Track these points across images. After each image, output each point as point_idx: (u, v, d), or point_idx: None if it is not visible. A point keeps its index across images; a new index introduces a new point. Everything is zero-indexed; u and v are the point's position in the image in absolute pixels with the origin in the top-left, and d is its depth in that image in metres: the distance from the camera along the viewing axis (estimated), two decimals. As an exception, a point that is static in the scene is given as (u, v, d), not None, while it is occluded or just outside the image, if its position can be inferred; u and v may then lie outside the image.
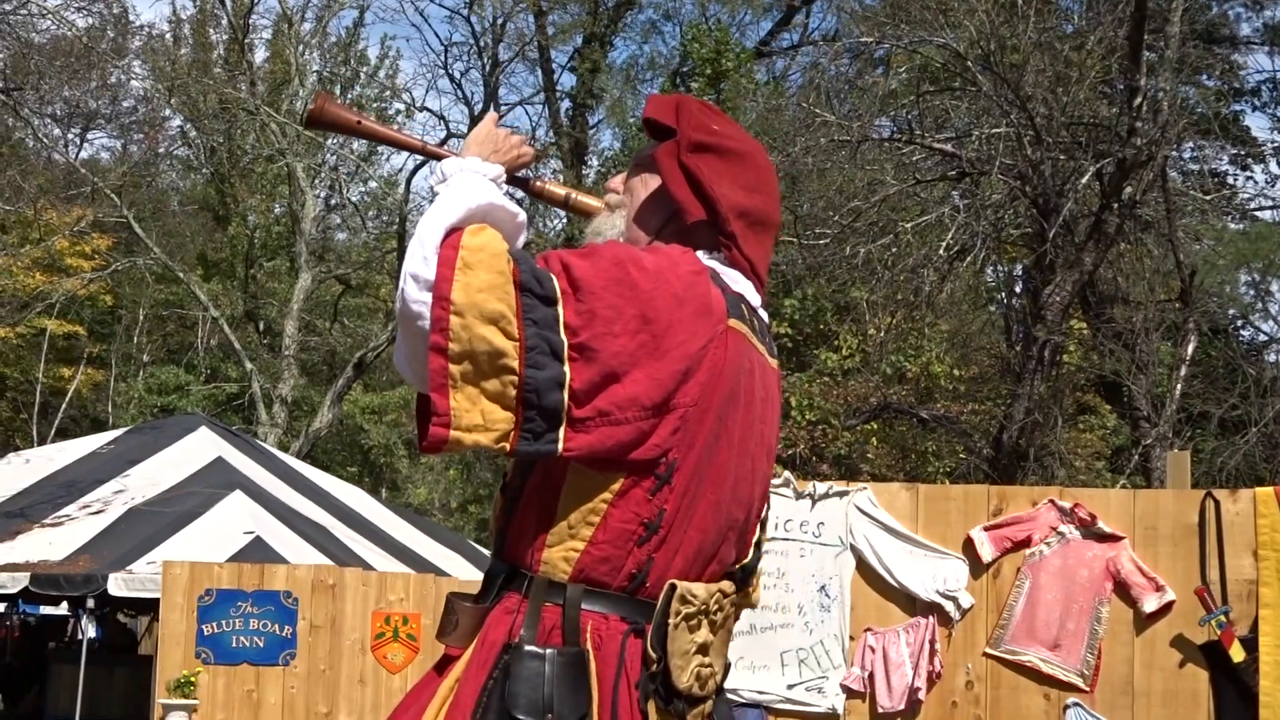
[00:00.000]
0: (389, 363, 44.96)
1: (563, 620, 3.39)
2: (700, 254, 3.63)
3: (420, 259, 3.25)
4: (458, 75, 46.69)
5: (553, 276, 3.30)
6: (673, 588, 3.41)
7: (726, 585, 3.66)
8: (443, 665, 3.47)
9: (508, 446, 3.32)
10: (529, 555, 3.43)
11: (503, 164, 3.58)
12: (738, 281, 3.63)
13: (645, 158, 3.74)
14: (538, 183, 3.76)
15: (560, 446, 3.32)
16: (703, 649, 3.53)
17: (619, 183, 3.79)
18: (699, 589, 3.53)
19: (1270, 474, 25.06)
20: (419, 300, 3.26)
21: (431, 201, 3.43)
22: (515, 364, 3.25)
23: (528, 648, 3.35)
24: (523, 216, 3.49)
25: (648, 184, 3.73)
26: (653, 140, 3.73)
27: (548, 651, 3.34)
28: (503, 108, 47.77)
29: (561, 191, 3.79)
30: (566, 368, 3.28)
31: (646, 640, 3.49)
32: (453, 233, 3.29)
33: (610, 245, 3.45)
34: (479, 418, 3.28)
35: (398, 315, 3.36)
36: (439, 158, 3.64)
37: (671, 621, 3.46)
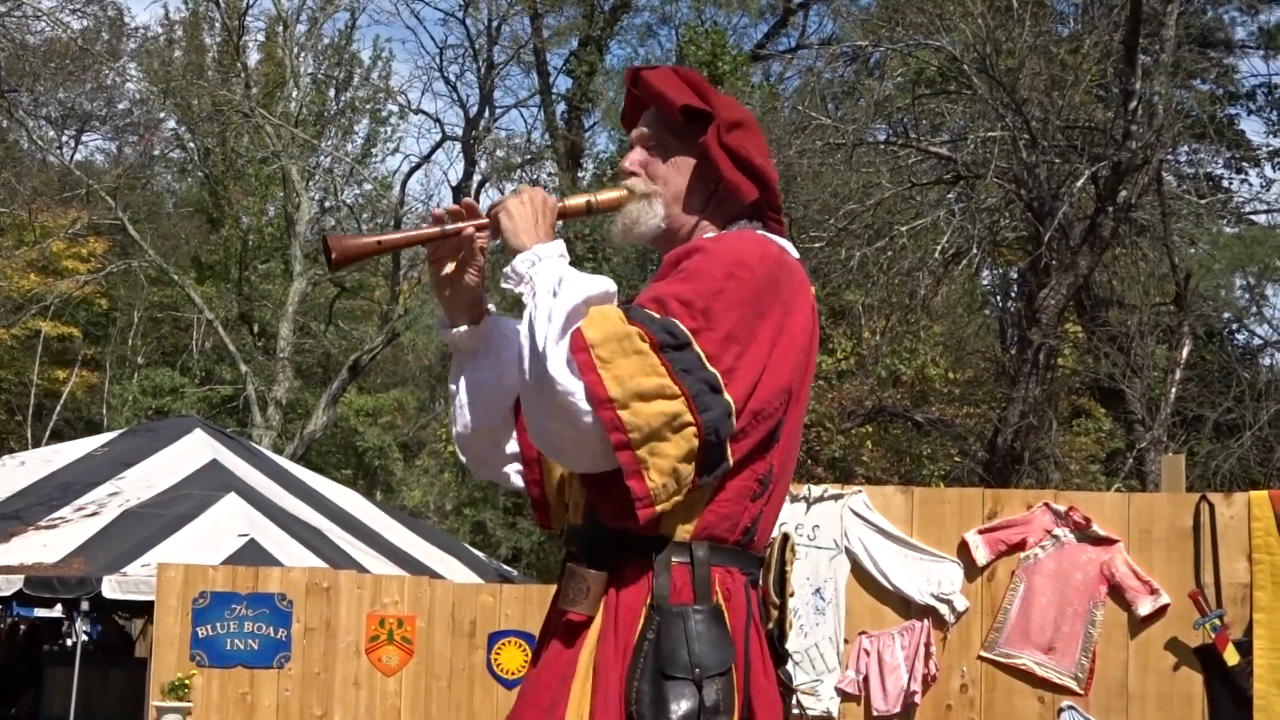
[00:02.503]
0: (383, 365, 45.17)
1: (693, 577, 3.42)
2: (751, 228, 3.72)
3: (564, 383, 3.29)
4: (453, 78, 46.76)
5: (676, 320, 3.34)
6: (786, 537, 3.56)
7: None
8: (570, 634, 3.47)
9: (693, 484, 3.38)
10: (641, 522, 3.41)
11: (552, 234, 3.62)
12: (790, 248, 3.70)
13: (671, 137, 3.77)
14: (568, 206, 3.78)
15: (730, 462, 3.41)
16: (792, 594, 3.63)
17: (637, 163, 3.80)
18: (793, 540, 3.66)
19: (1265, 478, 25.11)
20: (585, 412, 3.28)
21: (528, 297, 3.45)
22: (690, 416, 3.29)
23: (667, 607, 3.38)
24: (612, 286, 3.50)
25: (680, 167, 3.75)
26: (675, 116, 3.73)
27: (686, 609, 3.38)
28: (498, 110, 47.97)
29: (583, 201, 3.80)
30: (727, 395, 3.35)
31: (766, 589, 3.61)
32: (572, 335, 3.33)
33: (709, 260, 3.45)
34: (674, 483, 3.33)
35: (549, 426, 3.40)
36: (468, 234, 3.69)
37: (788, 570, 3.64)
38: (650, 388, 3.27)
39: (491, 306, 3.90)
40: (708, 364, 3.32)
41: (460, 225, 3.68)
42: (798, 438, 3.74)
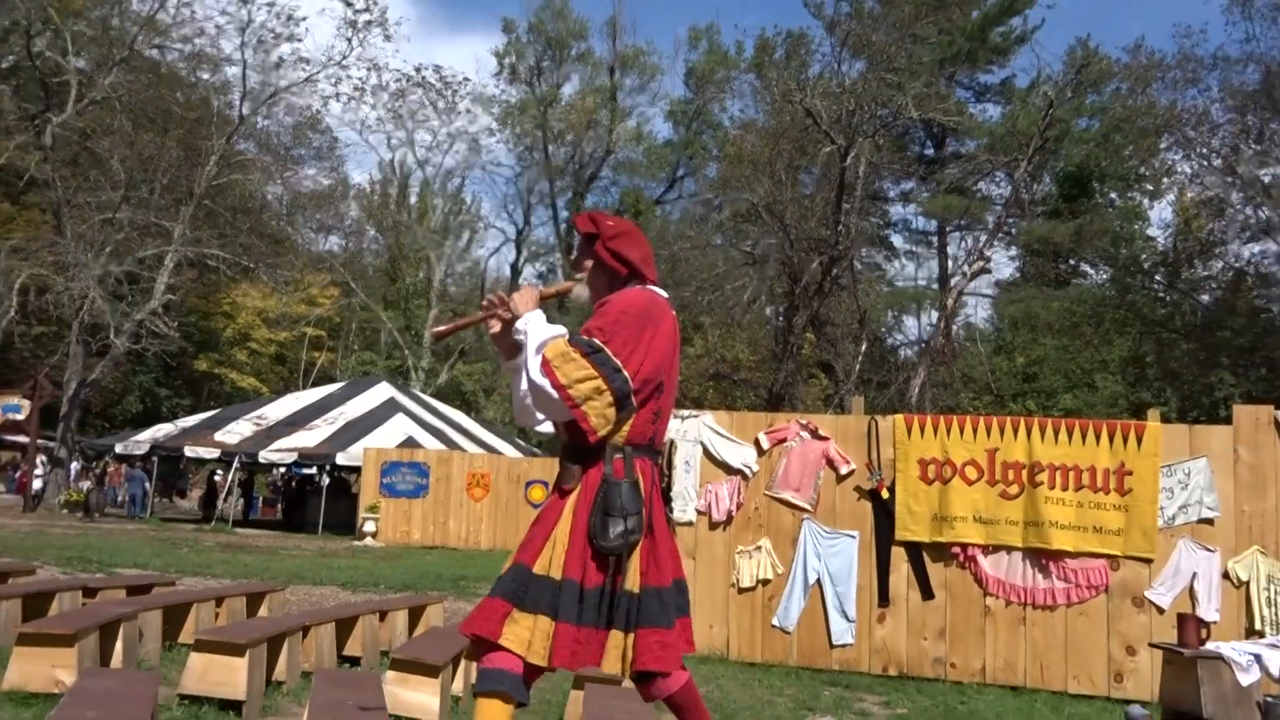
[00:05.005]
0: (475, 349, 44.92)
1: (624, 464, 3.38)
2: (637, 286, 3.67)
3: (539, 380, 3.31)
4: (510, 211, 46.78)
5: (593, 339, 3.34)
6: (672, 441, 3.61)
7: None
8: (563, 494, 3.42)
9: (617, 418, 3.37)
10: (584, 439, 3.40)
11: (536, 307, 3.58)
12: (660, 292, 3.65)
13: (585, 251, 3.71)
14: (544, 293, 3.78)
15: (635, 406, 3.39)
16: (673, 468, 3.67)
17: (577, 264, 3.74)
18: (676, 442, 3.68)
19: (902, 409, 25.32)
20: (549, 392, 3.30)
21: (526, 340, 3.46)
22: (605, 386, 3.30)
23: (611, 480, 3.34)
24: (563, 330, 3.48)
25: (589, 266, 3.69)
26: (585, 239, 3.71)
27: (620, 481, 3.34)
28: (534, 226, 48.00)
29: (554, 290, 3.79)
30: (625, 372, 3.34)
31: (662, 467, 3.54)
32: (540, 354, 3.36)
33: (610, 307, 3.47)
34: (603, 420, 3.33)
35: (538, 402, 3.39)
36: (502, 314, 3.65)
37: (674, 458, 3.60)
38: (581, 375, 3.29)
39: None
40: (613, 358, 3.32)
41: (494, 310, 3.67)
42: (674, 392, 3.68)
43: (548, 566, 3.31)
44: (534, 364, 3.35)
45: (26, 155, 28.73)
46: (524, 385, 3.39)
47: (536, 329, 3.47)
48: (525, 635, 3.25)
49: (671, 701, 3.55)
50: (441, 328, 3.70)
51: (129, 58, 29.21)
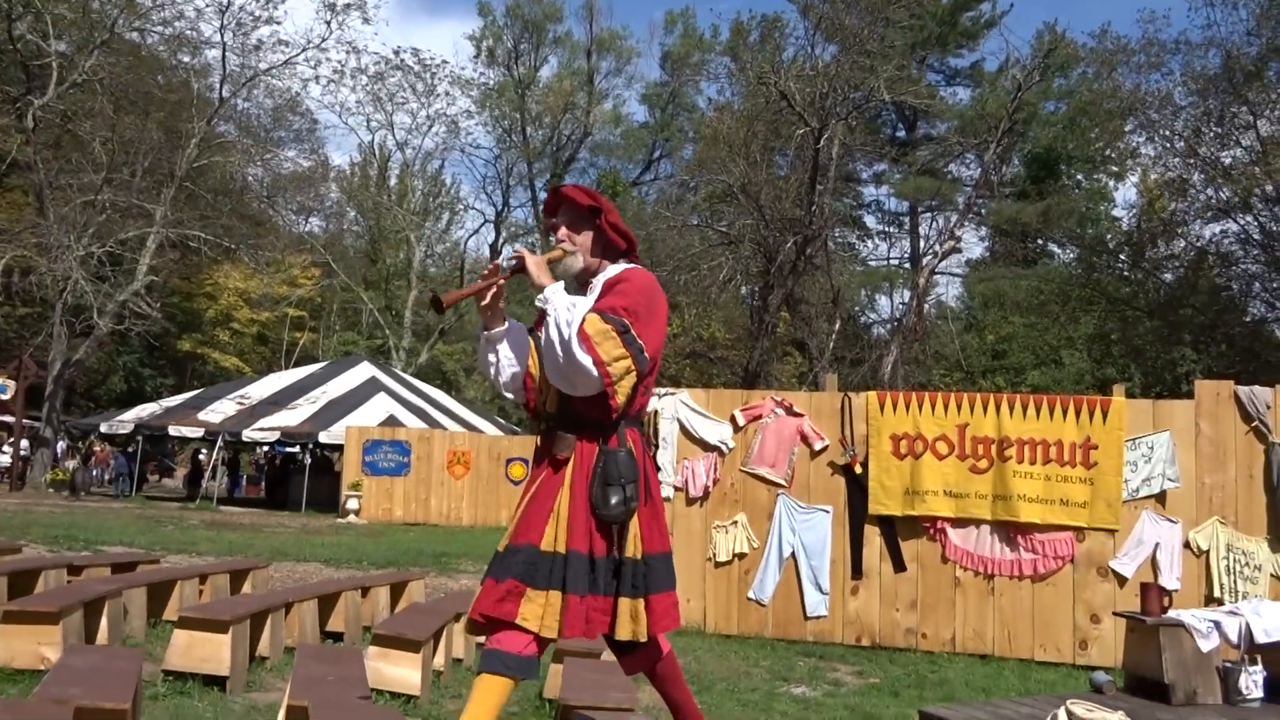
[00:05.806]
0: (455, 329, 44.75)
1: (618, 435, 3.39)
2: (624, 261, 3.66)
3: (581, 357, 3.28)
4: (490, 193, 46.43)
5: (623, 318, 3.33)
6: (656, 412, 3.57)
7: None
8: (557, 467, 3.41)
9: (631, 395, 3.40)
10: (596, 411, 3.40)
11: (552, 277, 3.52)
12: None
13: (580, 221, 3.64)
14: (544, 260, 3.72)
15: (642, 382, 3.41)
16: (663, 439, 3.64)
17: (565, 234, 3.65)
18: (659, 410, 3.64)
19: (875, 385, 25.43)
20: (591, 370, 3.27)
21: (551, 312, 3.39)
22: (634, 367, 3.32)
23: (607, 450, 3.36)
24: (590, 303, 3.45)
25: (586, 235, 3.62)
26: (587, 211, 3.64)
27: (616, 450, 3.35)
28: (512, 208, 47.84)
29: (546, 258, 3.73)
30: (646, 354, 3.36)
31: (649, 435, 3.54)
32: (579, 328, 3.31)
33: (630, 285, 3.44)
34: (626, 397, 3.34)
35: (568, 376, 3.34)
36: (502, 281, 3.58)
37: (660, 426, 3.56)
38: (618, 355, 3.28)
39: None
40: (638, 339, 3.33)
41: (495, 279, 3.62)
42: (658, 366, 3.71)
43: (554, 542, 3.31)
44: (575, 340, 3.30)
45: (8, 138, 28.39)
46: (559, 355, 3.32)
47: (567, 302, 3.42)
48: (538, 612, 3.25)
49: (655, 673, 3.55)
50: (450, 295, 3.64)
51: (110, 41, 28.80)
